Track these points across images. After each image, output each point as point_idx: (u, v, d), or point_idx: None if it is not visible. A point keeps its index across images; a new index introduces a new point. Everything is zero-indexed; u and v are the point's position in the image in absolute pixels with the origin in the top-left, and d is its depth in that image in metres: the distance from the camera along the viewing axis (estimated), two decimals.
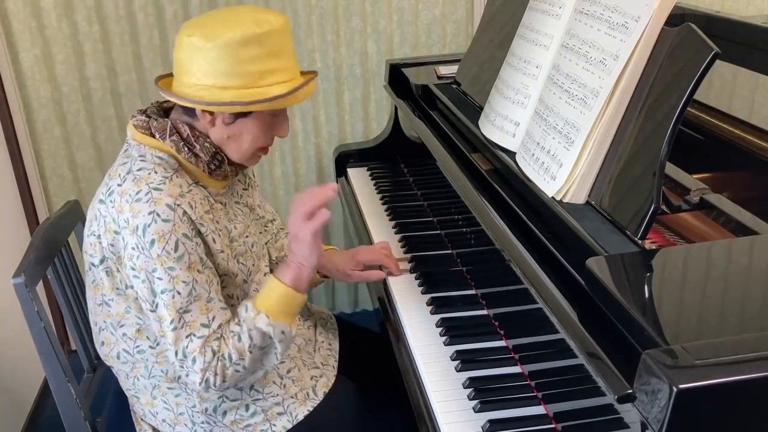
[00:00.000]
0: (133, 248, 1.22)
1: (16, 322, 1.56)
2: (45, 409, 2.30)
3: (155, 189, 1.22)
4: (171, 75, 1.33)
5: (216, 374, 1.25)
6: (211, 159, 1.30)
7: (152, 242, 1.20)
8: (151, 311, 1.24)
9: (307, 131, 2.50)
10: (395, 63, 2.09)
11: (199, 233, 1.26)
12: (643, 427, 0.79)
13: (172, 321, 1.23)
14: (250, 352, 1.26)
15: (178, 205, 1.22)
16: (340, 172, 2.24)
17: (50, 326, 1.41)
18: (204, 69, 1.23)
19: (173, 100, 1.27)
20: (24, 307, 1.35)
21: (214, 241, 1.28)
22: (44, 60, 2.26)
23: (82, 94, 2.32)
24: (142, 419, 1.44)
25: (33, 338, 1.37)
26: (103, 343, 1.37)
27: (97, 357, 1.61)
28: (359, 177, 2.15)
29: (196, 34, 1.22)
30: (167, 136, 1.27)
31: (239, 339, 1.26)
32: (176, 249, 1.22)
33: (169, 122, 1.28)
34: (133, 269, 1.23)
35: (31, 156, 2.33)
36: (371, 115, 2.52)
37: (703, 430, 0.77)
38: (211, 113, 1.27)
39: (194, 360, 1.24)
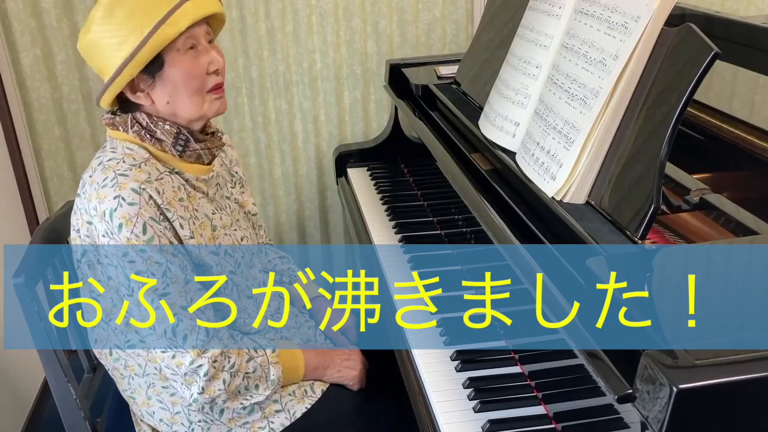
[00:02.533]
0: (103, 235, 1.23)
1: (16, 322, 1.56)
2: (45, 410, 2.30)
3: (121, 175, 1.23)
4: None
5: (211, 366, 1.26)
6: (175, 140, 1.30)
7: (120, 226, 1.21)
8: (129, 296, 1.24)
9: (307, 131, 2.50)
10: (395, 63, 2.09)
11: (166, 218, 1.26)
12: (643, 427, 0.79)
13: (153, 301, 1.23)
14: (244, 378, 1.32)
15: (143, 189, 1.23)
16: (340, 172, 2.24)
17: (50, 326, 1.40)
18: (108, 57, 1.25)
19: (104, 102, 1.30)
20: (24, 307, 1.35)
21: (181, 227, 1.28)
22: (44, 60, 2.26)
23: (82, 94, 2.32)
24: (141, 420, 1.44)
25: (33, 338, 1.37)
26: (96, 340, 1.38)
27: (97, 357, 1.61)
28: (359, 177, 2.15)
29: (78, 41, 1.27)
30: (129, 128, 1.30)
31: (248, 360, 1.32)
32: (144, 231, 1.22)
33: (130, 115, 1.31)
34: (106, 257, 1.24)
35: (31, 156, 2.33)
36: (371, 115, 2.52)
37: (702, 430, 0.77)
38: (141, 90, 1.28)
39: (185, 338, 1.25)
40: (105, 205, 1.21)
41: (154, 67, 1.25)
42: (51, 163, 2.37)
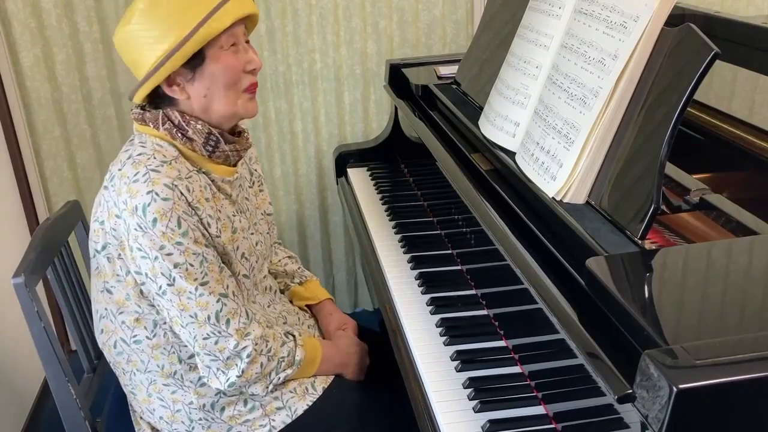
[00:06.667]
0: (136, 229, 1.23)
1: (16, 322, 1.56)
2: (45, 410, 2.30)
3: (153, 170, 1.24)
4: None
5: (253, 348, 1.30)
6: (205, 141, 1.31)
7: (154, 221, 1.22)
8: (169, 285, 1.25)
9: (307, 131, 2.50)
10: (395, 63, 2.09)
11: (196, 214, 1.27)
12: (643, 427, 0.79)
13: (196, 289, 1.25)
14: (278, 362, 1.36)
15: (175, 186, 1.24)
16: (340, 172, 2.24)
17: (50, 326, 1.41)
18: (144, 51, 1.26)
19: (137, 96, 1.30)
20: (24, 307, 1.35)
21: (209, 225, 1.30)
22: (44, 60, 2.26)
23: (82, 94, 2.32)
24: (141, 418, 1.45)
25: (33, 338, 1.37)
26: (102, 330, 1.38)
27: (98, 357, 1.61)
28: (359, 177, 2.15)
29: (116, 33, 1.28)
30: (160, 125, 1.30)
31: (282, 344, 1.37)
32: (179, 225, 1.24)
33: (161, 112, 1.31)
34: (140, 249, 1.24)
35: (31, 156, 2.34)
36: (371, 115, 2.52)
37: (702, 430, 0.77)
38: (177, 84, 1.29)
39: (228, 322, 1.28)
40: (137, 200, 1.22)
41: (196, 61, 1.27)
42: (51, 163, 2.37)
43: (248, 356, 1.30)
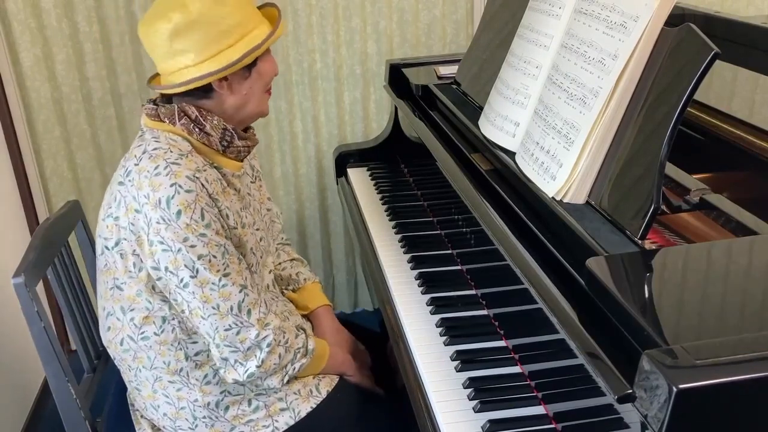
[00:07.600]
0: (158, 222, 1.24)
1: (16, 322, 1.56)
2: (45, 409, 2.30)
3: (173, 164, 1.25)
4: (157, 75, 1.37)
5: (273, 338, 1.32)
6: (221, 136, 1.33)
7: (178, 213, 1.23)
8: (192, 277, 1.26)
9: (307, 131, 2.50)
10: (395, 63, 2.09)
11: (216, 206, 1.29)
12: (643, 427, 0.79)
13: (219, 280, 1.27)
14: (294, 354, 1.38)
15: (197, 178, 1.26)
16: (340, 172, 2.24)
17: (50, 326, 1.41)
18: (196, 44, 1.26)
19: (187, 87, 1.28)
20: (24, 307, 1.35)
21: (227, 216, 1.31)
22: (44, 60, 2.26)
23: (82, 94, 2.32)
24: (142, 417, 1.45)
25: (33, 338, 1.37)
26: (109, 328, 1.38)
27: (97, 357, 1.61)
28: (359, 177, 2.15)
29: (170, 19, 1.25)
30: (177, 120, 1.31)
31: (296, 336, 1.39)
32: (203, 217, 1.25)
33: (176, 107, 1.31)
34: (161, 243, 1.25)
35: (31, 156, 2.34)
36: (371, 115, 2.52)
37: (702, 430, 0.77)
38: (226, 80, 1.31)
39: (249, 312, 1.30)
40: (161, 193, 1.23)
41: (253, 62, 1.32)
42: (51, 163, 2.37)
43: (268, 346, 1.31)
